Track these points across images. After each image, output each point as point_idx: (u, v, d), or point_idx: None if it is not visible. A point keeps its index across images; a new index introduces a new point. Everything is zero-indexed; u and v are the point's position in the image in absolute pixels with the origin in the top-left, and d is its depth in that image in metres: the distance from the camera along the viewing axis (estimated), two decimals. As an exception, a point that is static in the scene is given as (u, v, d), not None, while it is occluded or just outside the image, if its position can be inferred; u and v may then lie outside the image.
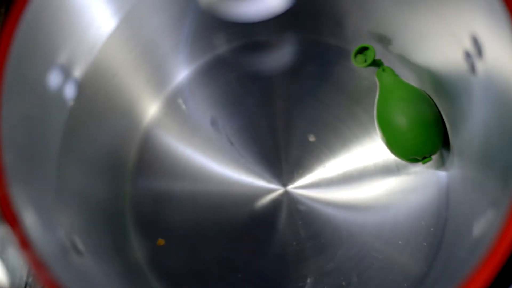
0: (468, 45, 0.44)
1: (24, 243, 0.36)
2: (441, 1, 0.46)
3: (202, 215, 0.56)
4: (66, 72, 0.45)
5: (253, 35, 0.58)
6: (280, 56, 0.59)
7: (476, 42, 0.43)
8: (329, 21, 0.58)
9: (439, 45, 0.50)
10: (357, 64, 0.55)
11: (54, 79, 0.43)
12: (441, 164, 0.55)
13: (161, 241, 0.55)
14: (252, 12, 0.52)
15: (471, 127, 0.48)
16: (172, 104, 0.59)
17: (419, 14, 0.50)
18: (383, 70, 0.54)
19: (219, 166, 0.57)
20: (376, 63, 0.54)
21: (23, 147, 0.41)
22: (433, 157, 0.53)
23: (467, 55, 0.45)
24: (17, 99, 0.39)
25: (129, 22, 0.50)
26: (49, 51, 0.43)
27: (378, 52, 0.55)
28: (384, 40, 0.55)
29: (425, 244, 0.53)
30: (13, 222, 0.36)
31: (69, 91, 0.45)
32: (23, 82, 0.40)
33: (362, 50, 0.55)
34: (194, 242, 0.55)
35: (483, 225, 0.41)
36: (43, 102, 0.43)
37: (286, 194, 0.55)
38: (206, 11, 0.52)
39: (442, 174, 0.54)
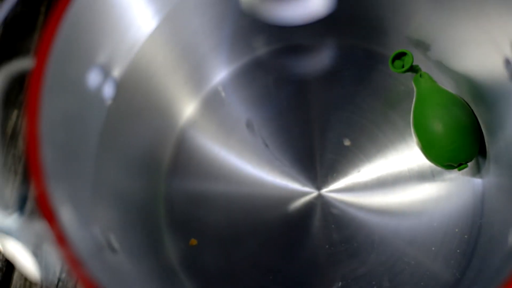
0: (509, 52, 0.44)
1: (61, 239, 0.36)
2: (481, 8, 0.46)
3: (236, 217, 0.56)
4: (106, 72, 0.45)
5: (292, 38, 0.59)
6: (318, 60, 0.59)
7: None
8: (368, 27, 0.57)
9: (478, 52, 0.49)
10: (395, 70, 0.54)
11: (93, 78, 0.43)
12: (477, 171, 0.54)
13: (193, 241, 0.55)
14: (293, 16, 0.52)
15: (509, 135, 0.48)
16: (209, 105, 0.59)
17: (458, 21, 0.49)
18: (421, 76, 0.54)
19: (253, 168, 0.57)
20: (413, 69, 0.54)
21: (62, 144, 0.41)
22: (469, 164, 0.53)
23: (507, 62, 0.45)
24: (57, 97, 0.40)
25: (169, 22, 0.50)
26: (89, 50, 0.43)
27: (416, 58, 0.54)
28: (422, 46, 0.55)
29: (458, 251, 0.53)
30: (50, 218, 0.37)
31: (108, 91, 0.46)
32: (64, 80, 0.41)
33: (400, 55, 0.55)
34: (226, 243, 0.55)
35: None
36: (83, 101, 0.44)
37: (320, 197, 0.55)
38: (246, 13, 0.53)
39: (477, 182, 0.54)
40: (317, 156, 0.57)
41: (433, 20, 0.52)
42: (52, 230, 0.36)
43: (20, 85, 0.56)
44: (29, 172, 0.37)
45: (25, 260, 0.41)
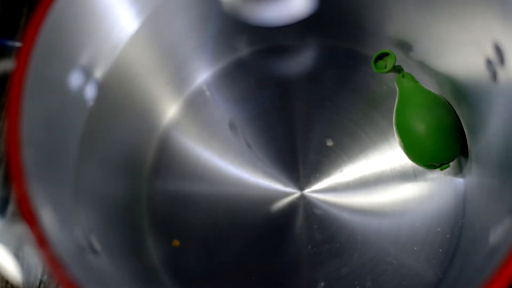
0: (490, 52, 0.44)
1: (41, 241, 0.36)
2: (463, 9, 0.46)
3: (218, 217, 0.56)
4: (88, 73, 0.45)
5: (274, 39, 0.58)
6: (301, 60, 0.59)
7: (498, 50, 0.43)
8: (350, 27, 0.58)
9: (460, 52, 0.50)
10: (377, 70, 0.54)
11: (75, 79, 0.43)
12: (459, 171, 0.54)
13: (176, 242, 0.55)
14: (275, 16, 0.52)
15: (490, 134, 0.48)
16: (192, 106, 0.59)
17: (440, 21, 0.50)
18: (403, 76, 0.54)
19: (236, 168, 0.57)
20: (396, 69, 0.54)
21: (43, 146, 0.41)
22: (451, 164, 0.53)
23: (489, 62, 0.45)
24: (38, 99, 0.40)
25: (152, 23, 0.50)
26: (71, 51, 0.43)
27: (398, 58, 0.55)
28: (405, 46, 0.55)
29: (440, 250, 0.53)
30: (31, 220, 0.36)
31: (90, 92, 0.46)
32: (45, 82, 0.40)
33: (382, 56, 0.55)
34: (209, 243, 0.55)
35: (500, 233, 0.41)
36: (64, 102, 0.43)
37: (303, 197, 0.55)
38: (228, 14, 0.53)
39: (459, 181, 0.54)
40: (300, 157, 0.57)
41: (415, 20, 0.52)
42: (33, 232, 0.36)
43: (1, 87, 0.55)
44: (10, 174, 0.37)
45: (6, 263, 0.40)
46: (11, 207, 0.53)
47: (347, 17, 0.56)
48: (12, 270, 0.41)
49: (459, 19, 0.47)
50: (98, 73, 0.46)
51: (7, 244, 0.39)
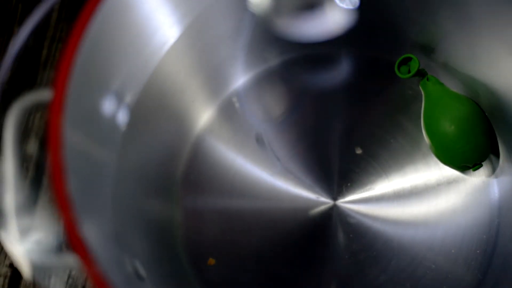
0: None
1: (94, 273, 0.36)
2: (495, 12, 0.46)
3: (252, 232, 0.55)
4: (120, 97, 0.45)
5: (302, 49, 0.58)
6: (326, 70, 0.59)
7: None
8: (374, 35, 0.57)
9: (488, 53, 0.49)
10: (401, 75, 0.54)
11: (109, 105, 0.43)
12: (492, 171, 0.54)
13: (211, 261, 0.55)
14: (309, 32, 0.52)
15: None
16: (221, 118, 0.59)
17: (465, 23, 0.50)
18: (428, 79, 0.54)
19: (267, 181, 0.57)
20: (420, 73, 0.54)
21: (84, 175, 0.40)
22: (483, 164, 0.53)
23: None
24: (76, 128, 0.39)
25: (189, 34, 0.50)
26: (106, 74, 0.43)
27: (422, 62, 0.54)
28: (428, 49, 0.55)
29: (478, 252, 0.53)
30: (82, 251, 0.36)
31: (122, 117, 0.45)
32: (82, 111, 0.40)
33: (406, 60, 0.54)
34: (244, 260, 0.55)
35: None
36: (99, 129, 0.43)
37: (336, 207, 0.55)
38: (261, 24, 0.52)
39: (492, 181, 0.54)
40: (330, 167, 0.56)
41: (439, 22, 0.52)
42: (86, 264, 0.36)
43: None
44: (55, 206, 0.36)
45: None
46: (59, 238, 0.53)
47: (375, 25, 0.56)
48: None
49: (487, 21, 0.47)
50: (130, 96, 0.46)
51: (59, 275, 0.39)
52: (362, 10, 0.52)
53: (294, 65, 0.59)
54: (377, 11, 0.54)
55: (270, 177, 0.57)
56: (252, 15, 0.52)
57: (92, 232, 0.38)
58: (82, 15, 0.39)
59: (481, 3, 0.47)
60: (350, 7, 0.51)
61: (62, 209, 0.36)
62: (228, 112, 0.59)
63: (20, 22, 0.60)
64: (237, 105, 0.59)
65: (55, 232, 0.39)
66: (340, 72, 0.59)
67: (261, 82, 0.59)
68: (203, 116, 0.59)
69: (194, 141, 0.58)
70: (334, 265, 0.54)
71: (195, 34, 0.51)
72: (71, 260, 0.36)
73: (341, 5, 0.50)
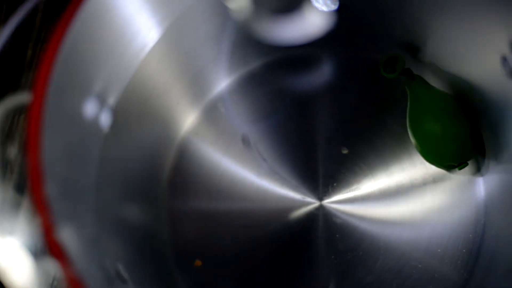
0: (506, 49, 0.44)
1: (72, 275, 0.36)
2: (476, 8, 0.46)
3: (238, 234, 0.55)
4: (102, 99, 0.44)
5: (287, 51, 0.58)
6: (311, 70, 0.59)
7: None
8: (358, 34, 0.57)
9: (472, 50, 0.49)
10: (387, 75, 0.54)
11: (90, 108, 0.43)
12: (477, 169, 0.54)
13: (198, 262, 0.55)
14: (290, 36, 0.52)
15: (507, 130, 0.48)
16: (205, 121, 0.59)
17: (450, 21, 0.49)
18: (413, 78, 0.54)
19: (253, 183, 0.57)
20: (405, 72, 0.54)
21: (64, 179, 0.40)
22: (469, 162, 0.53)
23: (504, 59, 0.45)
24: (56, 132, 0.39)
25: (170, 36, 0.50)
26: (87, 77, 0.43)
27: (407, 61, 0.54)
28: (413, 49, 0.55)
29: (464, 250, 0.53)
30: (59, 255, 0.36)
31: (105, 119, 0.45)
32: (62, 114, 0.40)
33: (391, 60, 0.54)
34: (231, 261, 0.55)
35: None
36: (81, 132, 0.43)
37: (322, 208, 0.55)
38: (242, 27, 0.52)
39: (478, 179, 0.54)
40: (316, 167, 0.56)
41: (425, 22, 0.52)
42: (63, 266, 0.36)
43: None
44: (34, 210, 0.36)
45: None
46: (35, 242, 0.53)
47: (356, 25, 0.56)
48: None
49: (470, 17, 0.47)
50: (112, 98, 0.46)
51: (38, 280, 0.39)
52: (343, 11, 0.52)
53: (277, 67, 0.59)
54: (359, 12, 0.54)
55: (256, 178, 0.57)
56: (233, 18, 0.52)
57: (71, 236, 0.38)
58: (62, 19, 0.39)
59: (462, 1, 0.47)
60: (328, 9, 0.51)
61: (40, 213, 0.36)
62: (213, 114, 0.59)
63: (5, 22, 0.60)
64: (221, 107, 0.59)
65: (37, 236, 0.39)
66: (325, 73, 0.59)
67: (245, 84, 0.59)
68: (188, 118, 0.59)
69: (179, 143, 0.58)
70: (321, 266, 0.54)
71: (176, 37, 0.51)
72: (51, 264, 0.36)
73: (319, 7, 0.50)
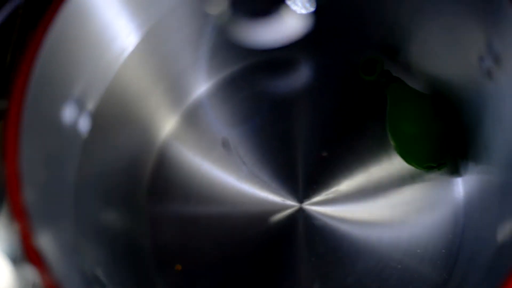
0: (483, 50, 0.44)
1: (50, 283, 0.36)
2: (452, 11, 0.46)
3: (219, 237, 0.55)
4: (81, 104, 0.44)
5: (265, 54, 0.58)
6: (292, 73, 0.59)
7: (491, 47, 0.43)
8: (338, 38, 0.58)
9: (450, 52, 0.50)
10: (366, 77, 0.54)
11: (69, 113, 0.43)
12: (456, 170, 0.54)
13: (178, 267, 0.55)
14: (267, 38, 0.52)
15: (488, 132, 0.48)
16: (186, 125, 0.58)
17: (428, 23, 0.50)
18: (392, 80, 0.54)
19: (233, 186, 0.56)
20: (384, 75, 0.54)
21: (42, 185, 0.40)
22: (448, 163, 0.53)
23: (482, 59, 0.45)
24: (35, 138, 0.39)
25: (149, 40, 0.50)
26: (65, 82, 0.43)
27: (386, 63, 0.54)
28: (392, 51, 0.55)
29: (444, 251, 0.53)
30: (38, 262, 0.36)
31: (84, 124, 0.45)
32: (40, 119, 0.40)
33: (370, 62, 0.55)
34: (211, 264, 0.55)
35: (508, 230, 0.41)
36: (59, 138, 0.43)
37: (302, 210, 0.55)
38: (221, 31, 0.53)
39: (457, 180, 0.54)
40: (296, 170, 0.56)
41: (402, 23, 0.52)
42: (41, 273, 0.36)
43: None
44: (12, 217, 0.36)
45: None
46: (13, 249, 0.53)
47: (336, 28, 0.56)
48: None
49: (449, 20, 0.47)
50: (91, 103, 0.46)
51: (17, 286, 0.39)
52: (321, 13, 0.52)
53: (257, 70, 0.59)
54: (337, 14, 0.54)
55: (236, 181, 0.57)
56: (211, 22, 0.52)
57: (50, 242, 0.38)
58: (41, 24, 0.39)
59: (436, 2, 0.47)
60: (306, 11, 0.51)
61: (18, 219, 0.36)
62: (193, 118, 0.59)
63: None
64: (201, 111, 0.59)
65: (16, 242, 0.39)
66: (304, 75, 0.59)
67: (224, 88, 0.59)
68: (168, 123, 0.58)
69: (159, 148, 0.58)
70: (301, 269, 0.54)
71: (155, 41, 0.51)
72: (30, 270, 0.36)
73: (297, 10, 0.50)
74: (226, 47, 0.56)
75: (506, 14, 0.40)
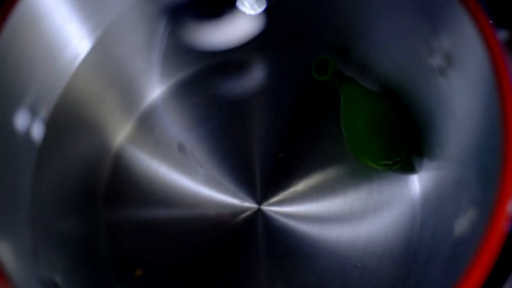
0: (433, 48, 0.45)
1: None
2: (400, 12, 0.47)
3: (178, 241, 0.55)
4: (34, 111, 0.44)
5: (218, 57, 0.58)
6: (244, 75, 0.59)
7: (441, 45, 0.44)
8: (290, 38, 0.58)
9: (402, 49, 0.50)
10: (318, 77, 0.55)
11: (21, 121, 0.42)
12: (412, 167, 0.55)
13: (139, 271, 0.54)
14: (219, 40, 0.52)
15: (441, 129, 0.49)
16: (141, 129, 0.58)
17: (379, 23, 0.50)
18: (345, 80, 0.54)
19: (191, 190, 0.56)
20: (337, 74, 0.55)
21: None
22: (404, 160, 0.54)
23: (433, 58, 0.45)
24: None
25: (101, 45, 0.49)
26: (17, 89, 0.42)
27: (339, 63, 0.55)
28: (344, 51, 0.56)
29: (402, 247, 0.53)
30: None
31: (37, 132, 0.45)
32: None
33: (322, 62, 0.55)
34: (171, 268, 0.55)
35: (465, 225, 0.41)
36: (12, 146, 0.42)
37: (260, 212, 0.55)
38: (173, 34, 0.52)
39: (413, 177, 0.55)
40: (253, 172, 0.56)
41: (353, 23, 0.53)
42: (0, 282, 0.35)
43: None
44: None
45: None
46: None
47: (286, 28, 0.56)
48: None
49: (400, 20, 0.48)
50: (44, 110, 0.45)
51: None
52: (271, 14, 0.52)
53: (210, 73, 0.59)
54: (288, 14, 0.55)
55: (194, 184, 0.56)
56: (163, 26, 0.52)
57: (7, 251, 0.37)
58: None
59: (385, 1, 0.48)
60: (255, 12, 0.51)
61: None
62: (148, 122, 0.59)
63: None
64: (156, 115, 0.59)
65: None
66: (258, 76, 0.59)
67: (178, 91, 0.59)
68: (123, 127, 0.58)
69: (115, 153, 0.58)
70: (261, 270, 0.54)
71: (108, 46, 0.51)
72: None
73: (246, 11, 0.50)
74: (179, 51, 0.56)
75: (454, 11, 0.40)
